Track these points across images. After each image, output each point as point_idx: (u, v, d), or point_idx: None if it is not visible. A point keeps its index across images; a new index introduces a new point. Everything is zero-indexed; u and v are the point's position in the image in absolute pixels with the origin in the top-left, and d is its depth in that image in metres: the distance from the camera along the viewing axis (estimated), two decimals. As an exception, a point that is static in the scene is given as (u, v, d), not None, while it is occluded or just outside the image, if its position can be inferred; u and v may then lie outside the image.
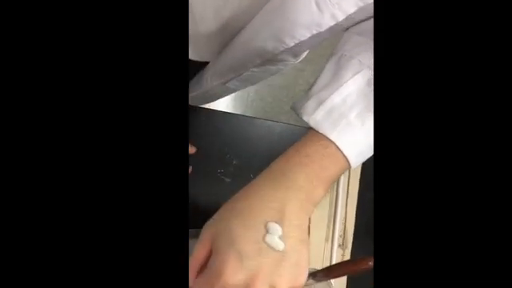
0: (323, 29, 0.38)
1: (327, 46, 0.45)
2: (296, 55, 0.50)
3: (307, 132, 0.39)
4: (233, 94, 1.42)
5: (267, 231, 0.34)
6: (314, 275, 0.39)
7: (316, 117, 0.39)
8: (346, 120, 0.38)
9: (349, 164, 0.38)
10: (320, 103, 0.39)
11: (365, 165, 0.73)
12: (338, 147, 0.37)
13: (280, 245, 0.34)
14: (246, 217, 0.35)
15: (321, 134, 0.38)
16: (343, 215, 0.72)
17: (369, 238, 0.72)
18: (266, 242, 0.34)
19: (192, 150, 0.58)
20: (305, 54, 0.56)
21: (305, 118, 0.39)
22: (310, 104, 0.40)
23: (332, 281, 0.65)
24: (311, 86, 0.42)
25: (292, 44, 0.41)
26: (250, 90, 1.55)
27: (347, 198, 0.73)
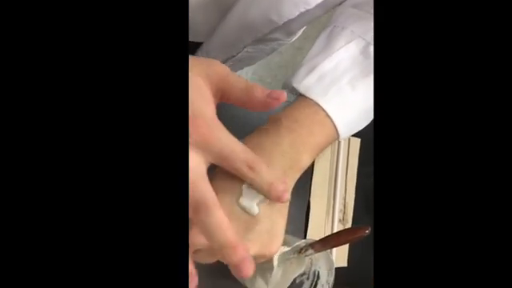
0: (311, 6, 0.38)
1: (325, 23, 0.45)
2: (289, 34, 0.50)
3: (296, 99, 0.39)
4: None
5: (242, 194, 0.34)
6: (313, 246, 0.39)
7: (306, 82, 0.38)
8: (337, 86, 0.38)
9: (337, 133, 0.38)
10: (311, 70, 0.39)
11: (363, 140, 0.73)
12: (327, 114, 0.37)
13: (255, 210, 0.34)
14: (225, 179, 0.34)
15: (310, 99, 0.37)
16: (343, 191, 0.73)
17: (368, 214, 0.73)
18: (239, 205, 0.34)
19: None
20: (300, 32, 0.56)
21: (295, 85, 0.39)
22: (301, 71, 0.39)
23: (334, 252, 0.67)
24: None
25: (281, 22, 0.41)
26: (249, 70, 1.54)
27: (347, 173, 0.73)
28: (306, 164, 0.37)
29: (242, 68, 0.63)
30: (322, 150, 0.38)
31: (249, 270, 0.30)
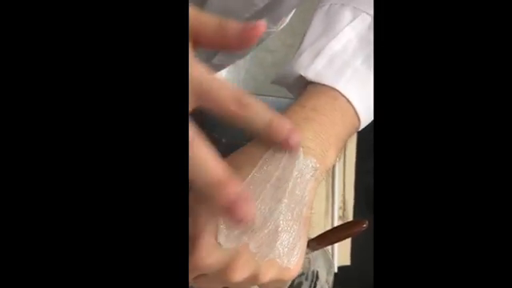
0: None
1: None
2: (275, 20, 0.48)
3: (306, 88, 0.34)
4: (224, 75, 1.40)
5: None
6: (308, 244, 0.37)
7: (316, 67, 0.33)
8: (352, 67, 0.33)
9: (358, 120, 0.34)
10: (317, 53, 0.34)
11: (360, 134, 0.72)
12: (347, 99, 0.32)
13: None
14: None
15: (324, 85, 0.32)
16: (341, 186, 0.71)
17: (369, 208, 0.71)
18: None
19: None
20: (287, 19, 0.54)
21: (301, 72, 0.34)
22: (305, 57, 0.34)
23: (336, 251, 0.65)
24: (299, 45, 0.37)
25: (262, 4, 0.38)
26: (241, 69, 1.53)
27: (344, 168, 0.71)
28: (331, 162, 0.32)
29: (233, 62, 0.61)
30: (345, 142, 0.33)
31: (246, 212, 0.23)
